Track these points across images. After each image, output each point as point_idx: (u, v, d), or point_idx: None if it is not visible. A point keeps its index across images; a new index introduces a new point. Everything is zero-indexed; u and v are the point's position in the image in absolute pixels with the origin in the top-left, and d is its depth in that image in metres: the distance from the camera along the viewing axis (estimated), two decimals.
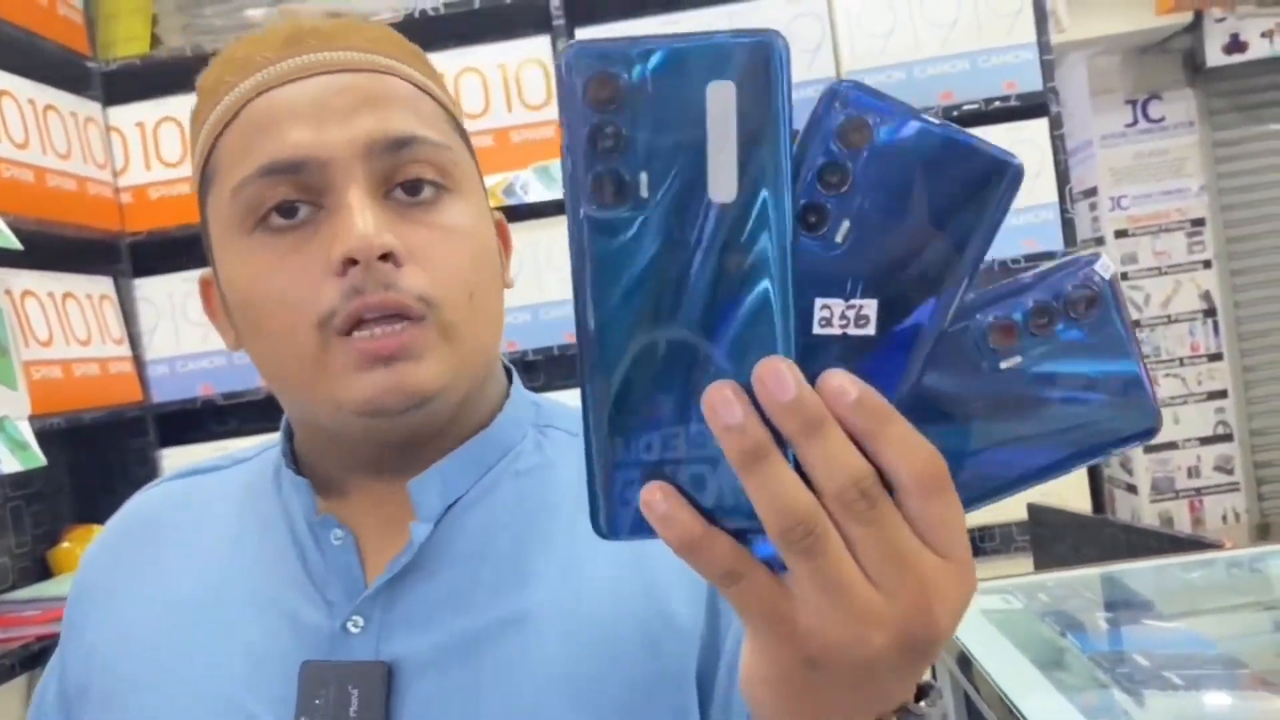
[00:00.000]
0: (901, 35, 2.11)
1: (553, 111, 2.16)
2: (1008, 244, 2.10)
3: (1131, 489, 4.48)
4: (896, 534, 0.39)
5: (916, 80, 2.11)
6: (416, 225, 0.67)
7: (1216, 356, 4.44)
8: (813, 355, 0.38)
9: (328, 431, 0.71)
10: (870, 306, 0.38)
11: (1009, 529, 2.32)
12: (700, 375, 0.38)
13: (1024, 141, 2.09)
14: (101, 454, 2.27)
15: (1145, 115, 4.49)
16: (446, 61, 2.08)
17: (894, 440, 0.38)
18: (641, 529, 0.39)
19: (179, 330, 2.21)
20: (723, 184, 0.37)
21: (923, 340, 0.39)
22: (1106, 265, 0.40)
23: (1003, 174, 0.38)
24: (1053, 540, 2.02)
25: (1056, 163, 2.10)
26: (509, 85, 2.14)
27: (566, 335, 2.14)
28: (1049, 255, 2.13)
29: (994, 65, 2.10)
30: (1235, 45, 4.28)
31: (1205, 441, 4.43)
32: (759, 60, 0.36)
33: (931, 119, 0.38)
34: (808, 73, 2.12)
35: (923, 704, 0.44)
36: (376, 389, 0.65)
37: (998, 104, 2.11)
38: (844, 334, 0.38)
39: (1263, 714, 1.32)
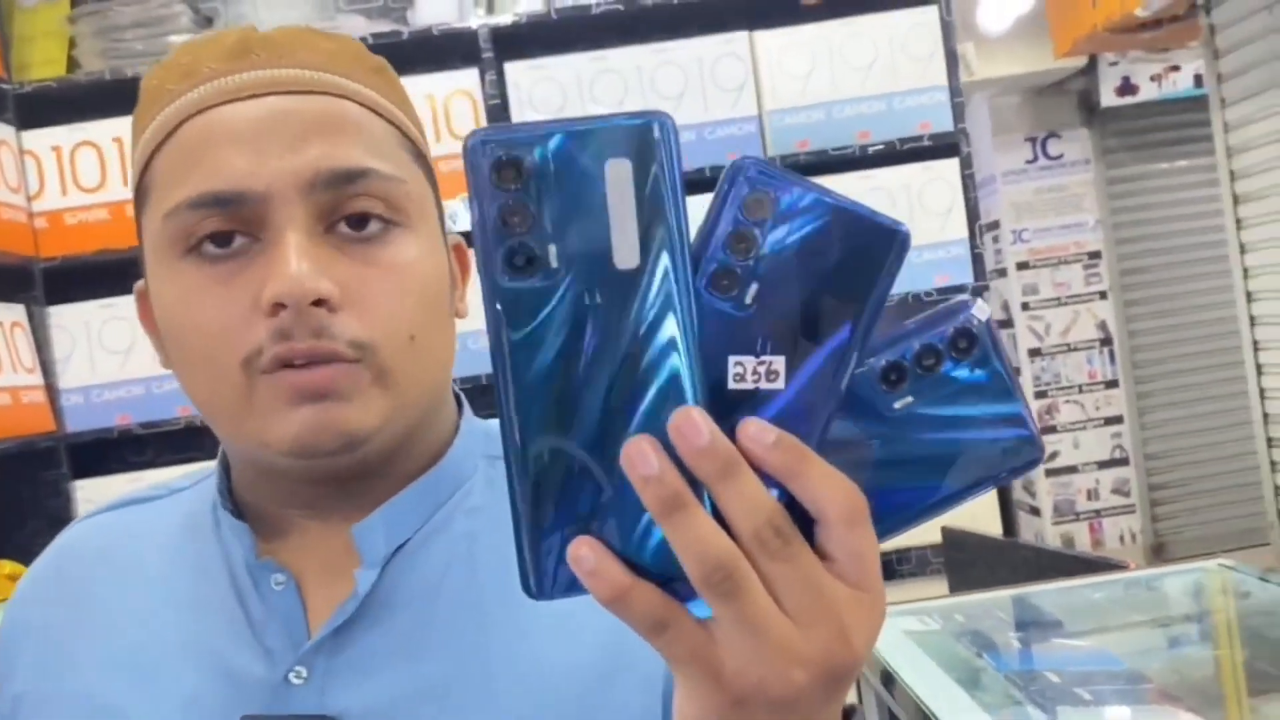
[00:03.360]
0: (821, 76, 2.18)
1: None
2: (921, 278, 2.18)
3: (1035, 511, 4.62)
4: (810, 570, 0.40)
5: (835, 119, 2.18)
6: (357, 264, 0.63)
7: (1113, 384, 4.62)
8: (729, 409, 0.40)
9: (261, 466, 0.67)
10: (779, 362, 0.40)
11: (924, 552, 2.38)
12: (619, 434, 0.40)
13: (936, 179, 2.17)
14: (12, 486, 2.20)
15: (1044, 153, 4.67)
16: None
17: (815, 477, 0.40)
18: (570, 588, 0.41)
19: (95, 359, 2.16)
20: (626, 252, 0.39)
21: (828, 389, 0.41)
22: (983, 308, 0.43)
23: (892, 240, 0.41)
24: (967, 563, 2.08)
25: (967, 200, 2.19)
26: (437, 116, 2.15)
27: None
28: (960, 288, 2.21)
29: (909, 106, 2.18)
30: (1127, 88, 4.49)
31: (1103, 465, 4.61)
32: (649, 138, 0.39)
33: (826, 191, 0.41)
34: (732, 111, 2.17)
35: None
36: (304, 427, 0.62)
37: (911, 144, 2.19)
38: (756, 388, 0.41)
39: None
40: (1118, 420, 4.63)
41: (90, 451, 2.22)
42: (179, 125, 0.64)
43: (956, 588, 2.10)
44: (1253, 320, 3.38)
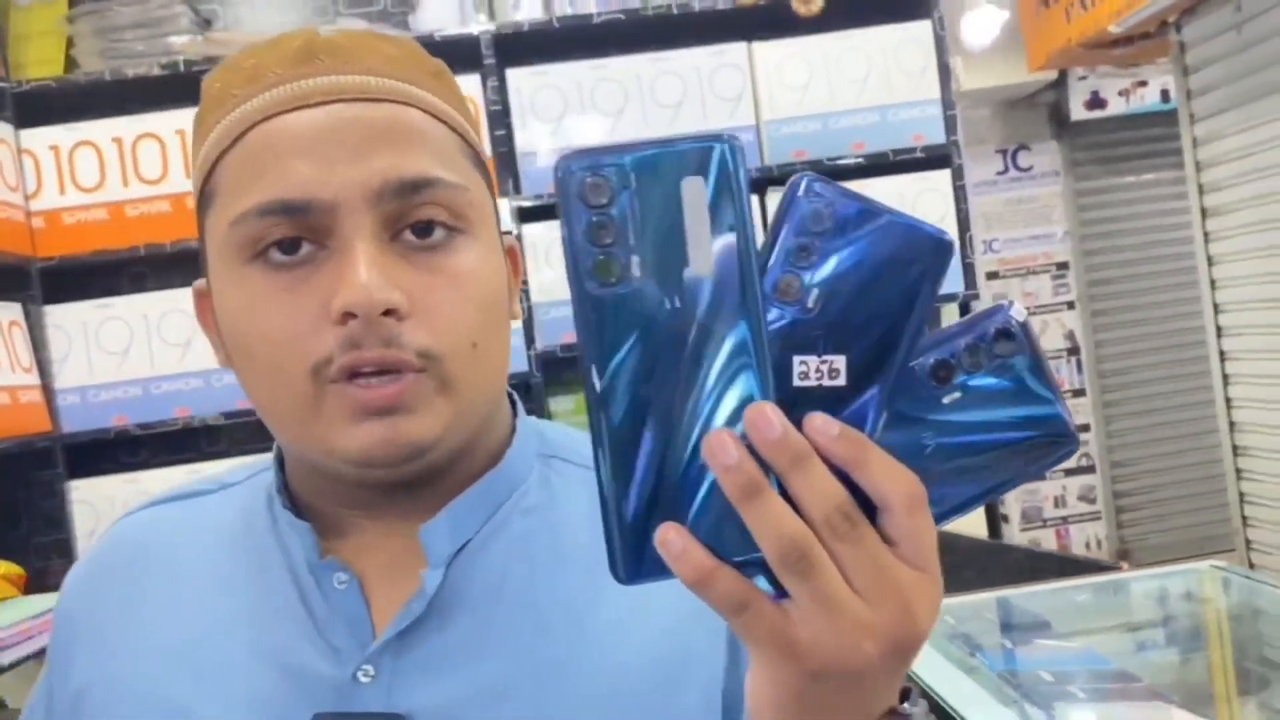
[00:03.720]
0: (817, 88, 2.22)
1: (484, 148, 2.20)
2: None
3: (1004, 518, 4.69)
4: (877, 551, 0.43)
5: (831, 130, 2.22)
6: (422, 272, 0.64)
7: (1080, 392, 4.70)
8: (795, 405, 0.44)
9: (322, 470, 0.68)
10: (840, 361, 0.45)
11: None
12: (697, 427, 0.43)
13: (929, 190, 2.22)
14: (7, 486, 2.19)
15: (1015, 164, 4.75)
16: None
17: (877, 466, 0.43)
18: (656, 572, 0.44)
19: (92, 359, 2.16)
20: (701, 261, 0.43)
21: (884, 385, 0.45)
22: (1020, 310, 0.47)
23: (936, 248, 0.45)
24: (958, 566, 2.13)
25: (958, 210, 2.24)
26: None
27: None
28: (951, 296, 2.26)
29: (902, 119, 2.23)
30: (1096, 102, 4.58)
31: (1070, 473, 4.68)
32: (718, 159, 0.43)
33: (877, 204, 0.45)
34: (730, 120, 2.21)
35: (906, 704, 0.50)
36: (371, 440, 0.63)
37: (905, 155, 2.23)
38: (819, 385, 0.45)
39: None
40: (1084, 429, 4.70)
41: (84, 452, 2.21)
42: (245, 131, 0.64)
43: (948, 590, 2.14)
44: (1220, 331, 3.47)
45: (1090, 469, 4.69)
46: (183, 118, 2.18)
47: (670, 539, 0.43)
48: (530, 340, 2.18)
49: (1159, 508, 4.73)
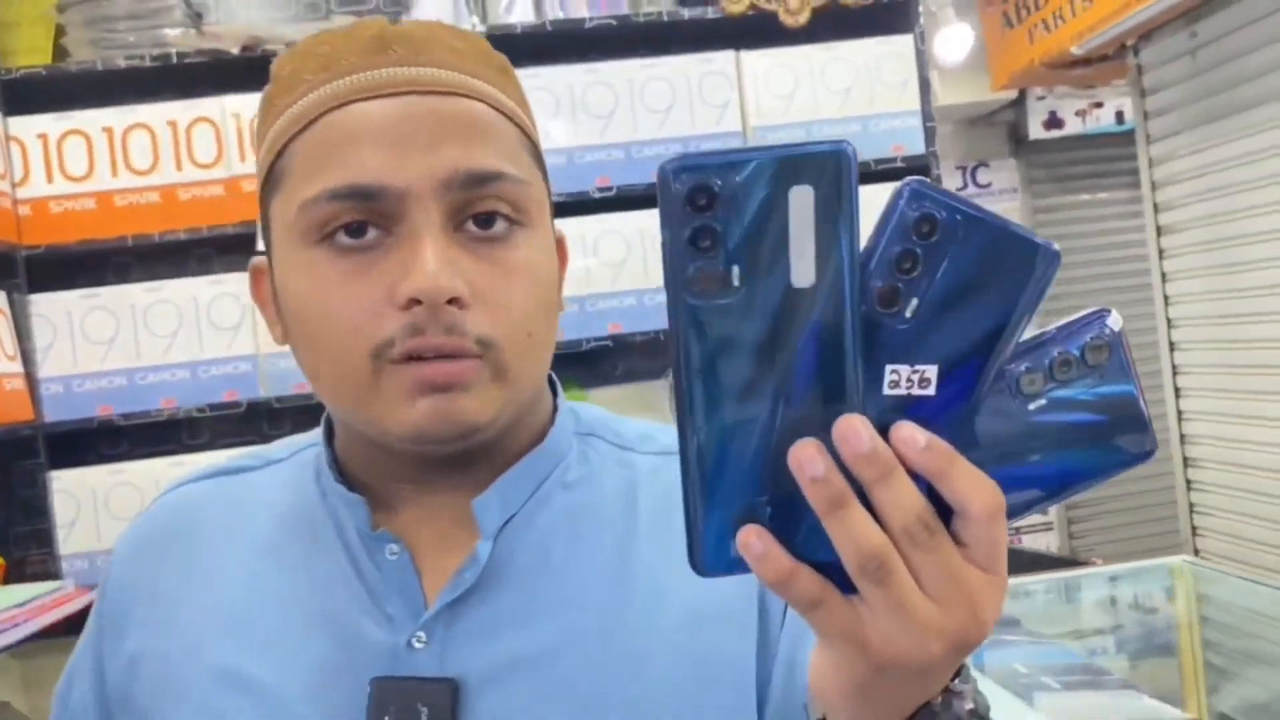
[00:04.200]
0: (802, 97, 2.27)
1: None
2: None
3: None
4: (951, 558, 0.45)
5: (815, 138, 2.28)
6: (484, 263, 0.66)
7: None
8: (883, 412, 0.44)
9: (376, 446, 0.71)
10: (931, 371, 0.44)
11: None
12: (785, 434, 0.44)
13: None
14: None
15: (974, 181, 4.85)
16: None
17: (960, 477, 0.44)
18: (735, 566, 0.45)
19: (76, 348, 2.15)
20: (803, 272, 0.42)
21: (974, 396, 0.45)
22: (1117, 320, 0.47)
23: (1044, 257, 0.44)
24: None
25: None
26: None
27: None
28: None
29: (884, 129, 2.29)
30: (1053, 121, 4.70)
31: None
32: (833, 166, 0.42)
33: (984, 210, 0.44)
34: (717, 126, 2.26)
35: (957, 681, 0.52)
36: (425, 417, 0.65)
37: (885, 165, 2.30)
38: (909, 393, 0.44)
39: (1141, 710, 1.50)
40: None
41: (64, 441, 2.20)
42: (318, 117, 0.66)
43: None
44: (1172, 345, 3.58)
45: None
46: (174, 109, 2.19)
47: (752, 542, 0.44)
48: None
49: (1109, 519, 4.84)
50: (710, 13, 2.28)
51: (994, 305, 0.44)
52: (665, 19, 2.27)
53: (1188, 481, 3.55)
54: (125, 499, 2.14)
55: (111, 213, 2.16)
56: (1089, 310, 0.48)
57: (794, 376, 0.43)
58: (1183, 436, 3.54)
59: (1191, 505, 3.54)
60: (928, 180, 0.44)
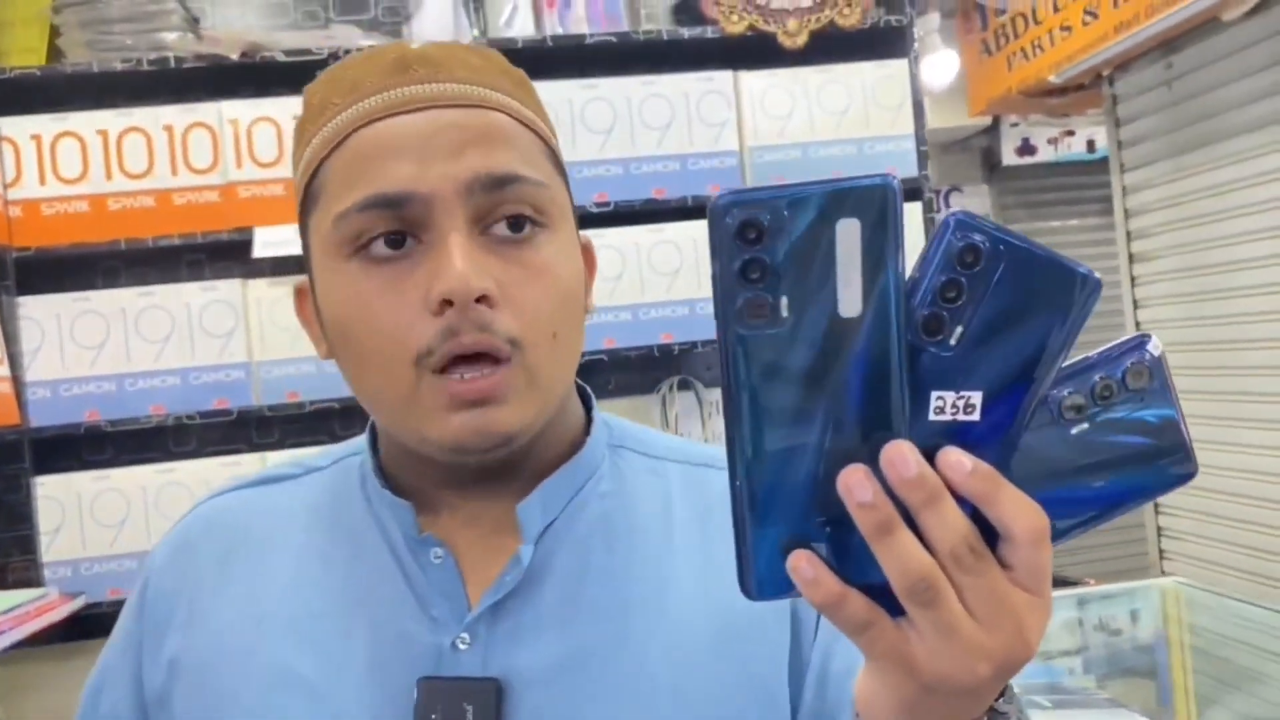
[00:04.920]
0: (799, 118, 2.30)
1: None
2: None
3: None
4: (997, 581, 0.46)
5: (810, 159, 2.30)
6: (510, 263, 0.68)
7: None
8: (929, 437, 0.45)
9: (418, 453, 0.72)
10: (976, 396, 0.45)
11: None
12: (833, 460, 0.45)
13: None
14: None
15: (947, 205, 4.91)
16: None
17: (1006, 502, 0.45)
18: (784, 589, 0.46)
19: (65, 352, 2.12)
20: (850, 302, 0.44)
21: (1018, 421, 0.46)
22: (1157, 345, 0.48)
23: (1084, 285, 0.45)
24: None
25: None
26: None
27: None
28: None
29: (878, 152, 2.32)
30: (1026, 148, 4.78)
31: None
32: (879, 199, 0.43)
33: (1026, 240, 0.45)
34: (714, 145, 2.27)
35: (1002, 700, 0.52)
36: (463, 430, 0.67)
37: None
38: (954, 419, 0.45)
39: None
40: None
41: (48, 446, 2.17)
42: (347, 136, 0.69)
43: None
44: None
45: None
46: (170, 113, 2.17)
47: (802, 566, 0.45)
48: None
49: (1075, 542, 4.88)
50: (709, 32, 2.30)
51: (1037, 332, 0.45)
52: (665, 37, 2.29)
53: (1156, 505, 3.61)
54: (110, 506, 2.11)
55: (104, 216, 2.14)
56: (1131, 336, 0.49)
57: (841, 404, 0.44)
58: None
59: (1160, 529, 3.59)
60: (973, 212, 0.45)
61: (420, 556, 0.73)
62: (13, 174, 2.12)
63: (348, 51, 2.15)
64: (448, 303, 0.65)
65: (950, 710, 0.49)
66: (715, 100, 2.27)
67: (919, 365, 0.45)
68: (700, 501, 0.77)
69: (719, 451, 0.76)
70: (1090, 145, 4.77)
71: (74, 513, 2.11)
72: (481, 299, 0.66)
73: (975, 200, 4.90)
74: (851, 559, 0.46)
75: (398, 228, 0.67)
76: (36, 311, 2.12)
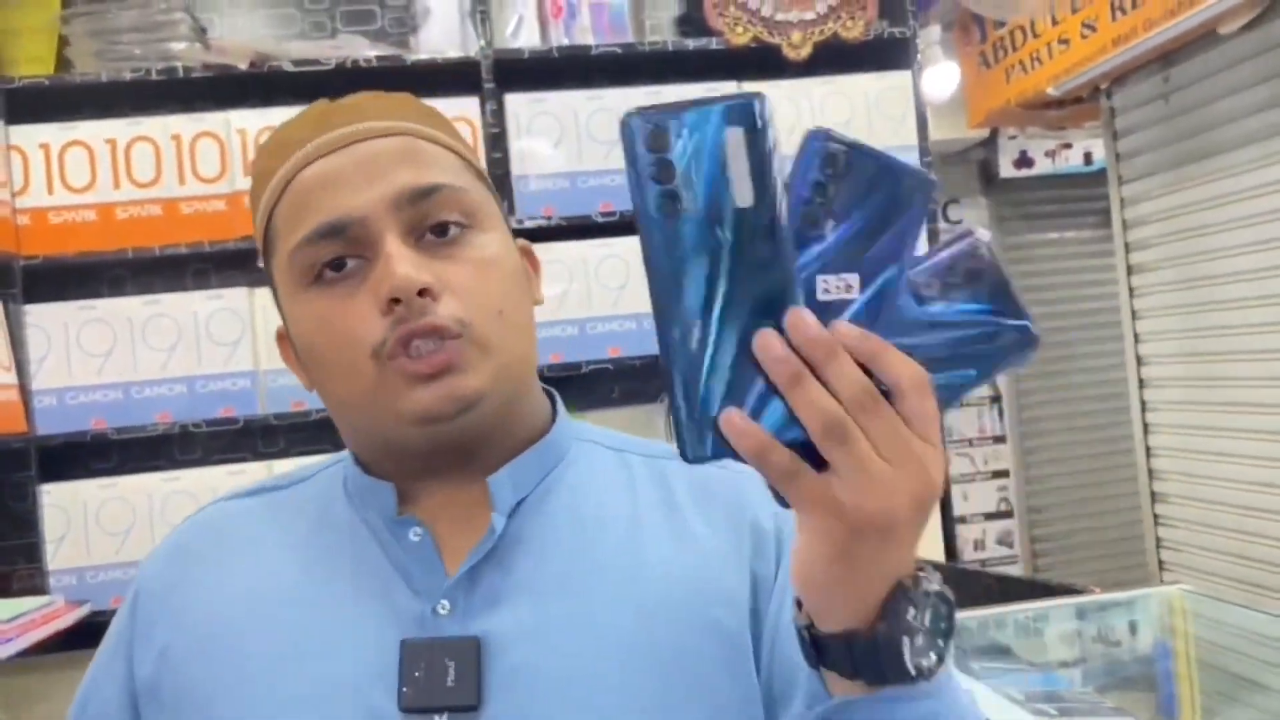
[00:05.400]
0: (803, 129, 2.31)
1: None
2: None
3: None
4: (895, 422, 0.53)
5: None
6: (448, 261, 0.76)
7: (1000, 439, 4.87)
8: (820, 314, 0.53)
9: (393, 445, 0.79)
10: (854, 278, 0.54)
11: None
12: (746, 332, 0.52)
13: None
14: None
15: (945, 217, 4.93)
16: None
17: (892, 358, 0.53)
18: (718, 452, 0.53)
19: (72, 361, 2.12)
20: (743, 195, 0.51)
21: (888, 297, 0.54)
22: (984, 233, 0.58)
23: (921, 182, 0.54)
24: None
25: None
26: None
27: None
28: None
29: None
30: (1024, 160, 4.80)
31: (989, 517, 4.84)
32: (751, 111, 0.51)
33: (876, 150, 0.54)
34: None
35: (923, 572, 0.59)
36: (431, 400, 0.74)
37: None
38: (838, 298, 0.54)
39: None
40: (1004, 474, 4.86)
41: (54, 455, 2.17)
42: (287, 184, 0.78)
43: None
44: (1142, 382, 3.65)
45: (1009, 514, 4.85)
46: (178, 123, 2.18)
47: (734, 419, 0.52)
48: None
49: (1073, 553, 4.90)
50: (714, 43, 2.32)
51: (889, 221, 0.54)
52: (670, 48, 2.31)
53: (1155, 516, 3.62)
54: (116, 514, 2.12)
55: (112, 225, 2.15)
56: (960, 229, 0.59)
57: (747, 283, 0.52)
58: (1151, 472, 3.61)
59: (1159, 539, 3.60)
60: (830, 128, 0.54)
61: (400, 536, 0.78)
62: (21, 182, 2.12)
63: (355, 62, 2.17)
64: (395, 301, 0.73)
65: (879, 557, 0.55)
66: None
67: (806, 254, 0.53)
68: (663, 488, 0.84)
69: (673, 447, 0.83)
70: (1088, 158, 4.79)
71: (80, 520, 2.11)
72: (424, 292, 0.73)
73: (973, 212, 4.92)
74: (771, 420, 0.53)
75: (344, 252, 0.75)
76: (44, 319, 2.12)
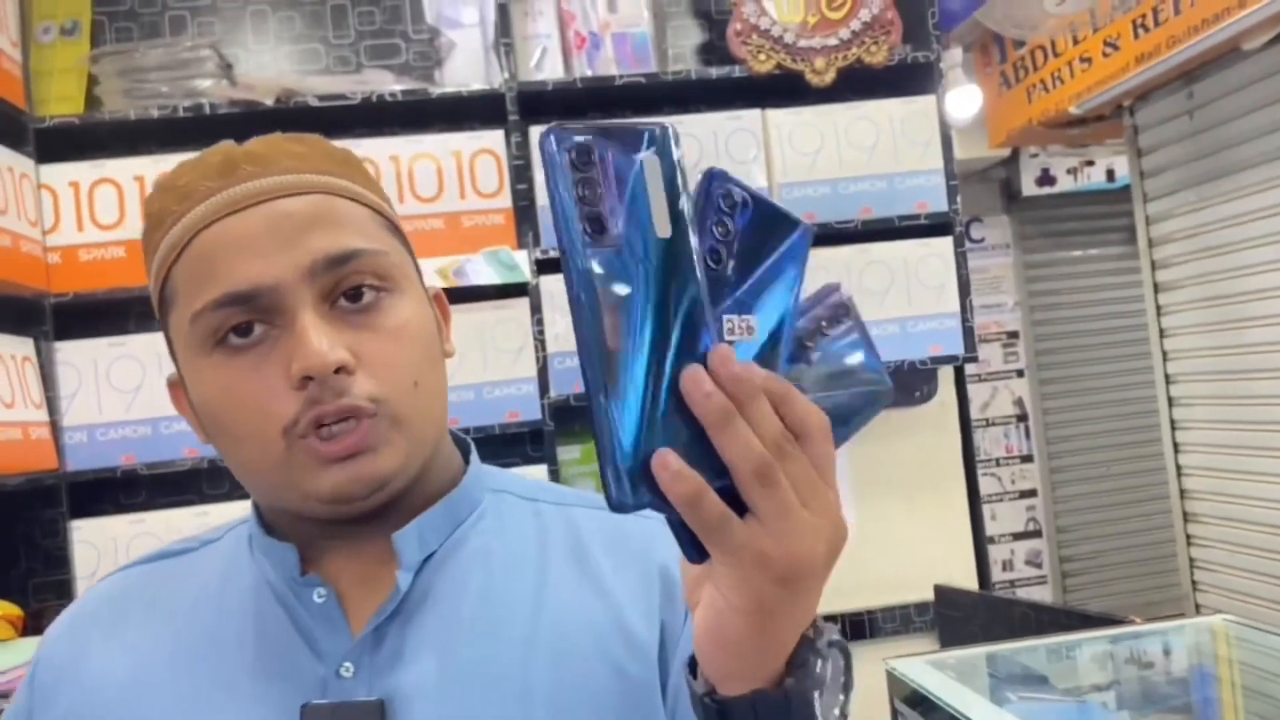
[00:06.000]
0: (828, 154, 2.31)
1: (505, 200, 2.25)
2: (915, 347, 2.31)
3: None
4: (808, 468, 0.52)
5: (840, 195, 2.31)
6: (361, 330, 0.74)
7: (1028, 458, 4.83)
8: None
9: (299, 513, 0.77)
10: (754, 320, 0.54)
11: (908, 611, 2.48)
12: (672, 368, 0.50)
13: (932, 255, 2.31)
14: (10, 523, 2.14)
15: (968, 235, 4.91)
16: (401, 146, 2.14)
17: (798, 403, 0.52)
18: (646, 500, 0.50)
19: (101, 397, 2.13)
20: (662, 225, 0.50)
21: (782, 341, 0.55)
22: (845, 291, 0.60)
23: (801, 230, 0.56)
24: (960, 621, 2.18)
25: (959, 276, 2.33)
26: (463, 172, 2.21)
27: (509, 414, 2.20)
28: (952, 358, 2.34)
29: (908, 187, 2.32)
30: (1046, 179, 4.78)
31: (1018, 537, 4.80)
32: (660, 138, 0.51)
33: (759, 192, 0.55)
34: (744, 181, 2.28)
35: (821, 623, 0.58)
36: (341, 480, 0.72)
37: (909, 221, 2.33)
38: (741, 339, 0.53)
39: None
40: (1032, 494, 4.82)
41: (84, 491, 2.17)
42: (189, 241, 0.73)
43: (948, 644, 2.19)
44: (1171, 401, 3.62)
45: (1038, 534, 4.81)
46: None
47: (669, 461, 0.49)
48: (544, 389, 2.21)
49: (1103, 573, 4.85)
50: (737, 71, 2.32)
51: (779, 265, 0.54)
52: (693, 77, 2.31)
53: (1188, 537, 3.58)
54: (145, 549, 2.10)
55: (140, 261, 2.15)
56: (825, 286, 0.61)
57: (668, 317, 0.50)
58: (1183, 491, 3.57)
59: (1192, 560, 3.56)
60: (723, 170, 0.54)
61: (304, 597, 0.77)
62: (51, 221, 2.14)
63: (380, 96, 2.18)
64: (308, 378, 0.70)
65: (793, 607, 0.54)
66: (744, 138, 2.28)
67: (714, 292, 0.52)
68: (572, 536, 0.82)
69: (586, 493, 0.88)
70: (1110, 174, 4.76)
71: (110, 556, 2.11)
72: (339, 369, 0.71)
73: (996, 230, 4.90)
74: (700, 463, 0.50)
75: (250, 318, 0.72)
76: (74, 356, 2.13)
